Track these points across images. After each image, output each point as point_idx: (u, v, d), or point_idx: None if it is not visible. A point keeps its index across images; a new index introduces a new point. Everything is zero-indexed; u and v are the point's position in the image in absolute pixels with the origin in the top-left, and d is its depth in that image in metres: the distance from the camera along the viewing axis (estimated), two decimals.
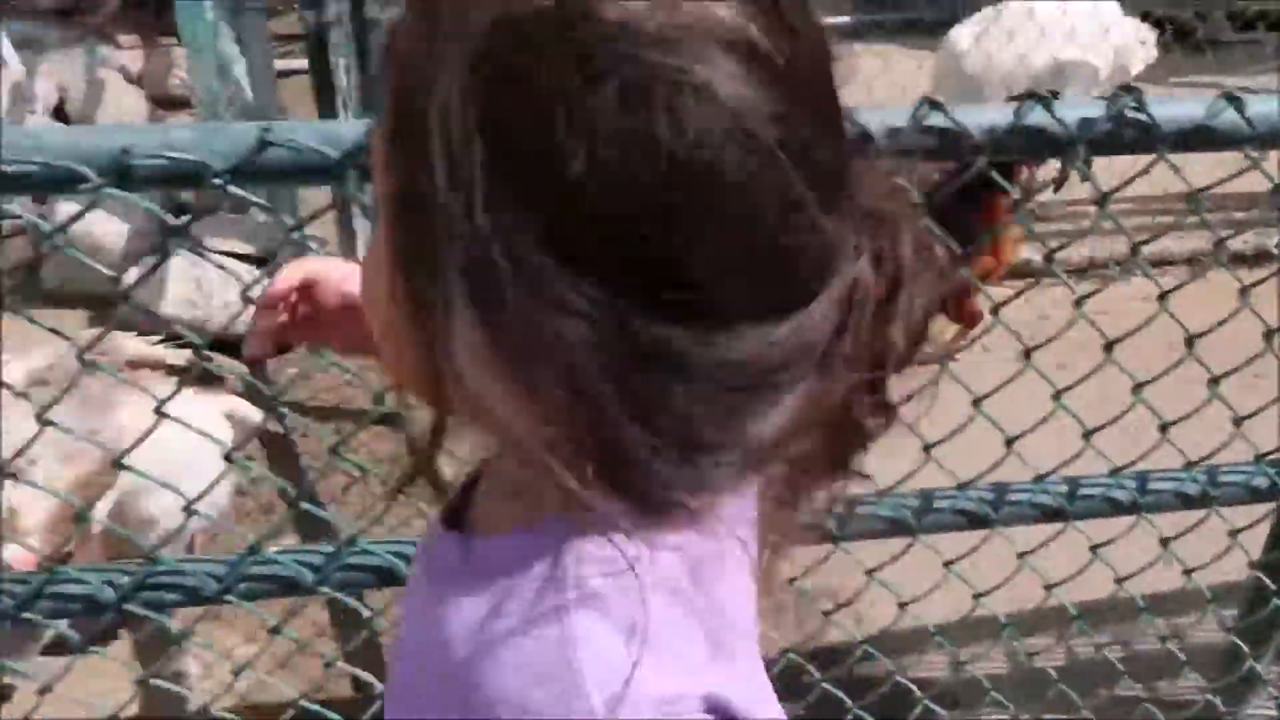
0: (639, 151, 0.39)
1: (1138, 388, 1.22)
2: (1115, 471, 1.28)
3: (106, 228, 2.90)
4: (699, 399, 0.43)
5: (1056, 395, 1.20)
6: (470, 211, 0.41)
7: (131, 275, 2.72)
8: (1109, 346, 1.19)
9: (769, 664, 0.52)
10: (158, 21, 4.60)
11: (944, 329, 3.08)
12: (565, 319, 0.41)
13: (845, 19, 2.66)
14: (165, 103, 4.25)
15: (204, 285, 2.75)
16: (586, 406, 0.42)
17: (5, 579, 1.02)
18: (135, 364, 1.62)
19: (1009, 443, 1.20)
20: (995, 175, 1.03)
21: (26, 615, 0.98)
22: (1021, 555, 1.30)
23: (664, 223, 0.40)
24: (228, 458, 1.17)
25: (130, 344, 1.69)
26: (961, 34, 3.87)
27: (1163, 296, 1.19)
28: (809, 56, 0.43)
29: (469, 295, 0.42)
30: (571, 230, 0.41)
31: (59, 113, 3.85)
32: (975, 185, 1.06)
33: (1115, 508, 1.28)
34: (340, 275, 0.72)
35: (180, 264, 2.73)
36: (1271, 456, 1.34)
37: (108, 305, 2.69)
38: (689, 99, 0.39)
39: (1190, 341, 1.21)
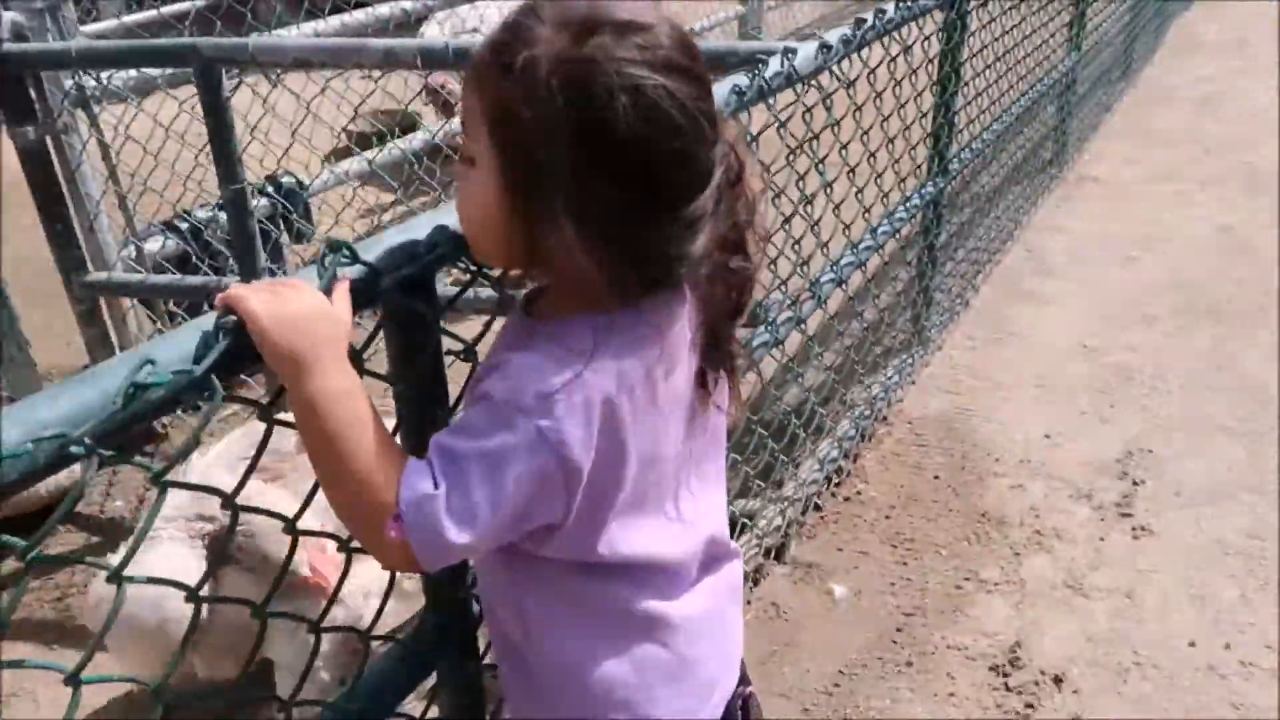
0: (643, 123, 0.85)
1: None
2: None
3: None
4: (672, 234, 0.90)
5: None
6: (566, 168, 0.86)
7: None
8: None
9: None
10: None
11: None
12: (616, 213, 0.88)
13: None
14: None
15: None
16: (624, 249, 0.89)
17: None
18: None
19: None
20: None
21: None
22: None
23: (658, 158, 0.87)
24: None
25: None
26: (432, 28, 4.60)
27: None
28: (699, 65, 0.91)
29: (566, 209, 0.87)
30: (619, 166, 0.87)
31: None
32: None
33: None
34: None
35: None
36: None
37: None
38: (659, 98, 0.86)
39: None
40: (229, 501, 0.97)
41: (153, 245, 2.93)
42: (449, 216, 1.13)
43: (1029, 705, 1.96)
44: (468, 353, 1.18)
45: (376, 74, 2.53)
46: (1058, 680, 2.01)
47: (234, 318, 0.89)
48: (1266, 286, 3.53)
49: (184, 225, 3.03)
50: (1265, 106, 5.42)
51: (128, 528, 2.65)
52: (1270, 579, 2.23)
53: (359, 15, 3.45)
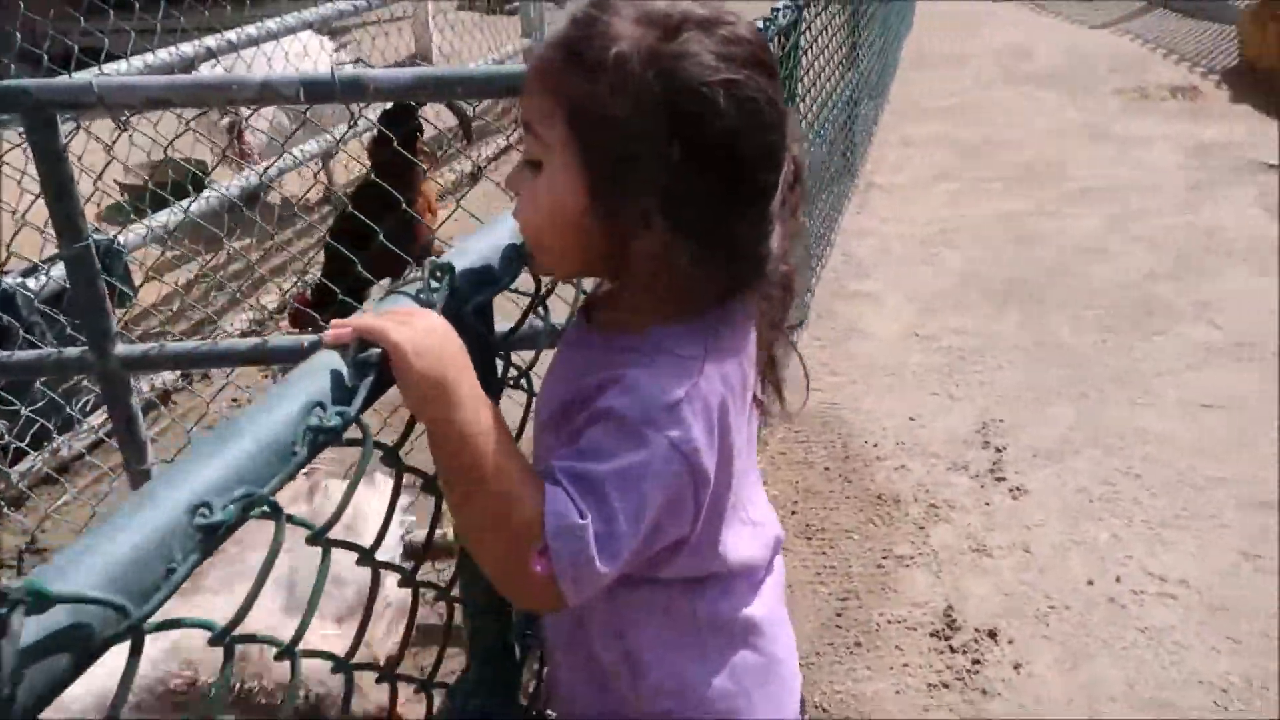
0: (740, 117, 0.86)
1: None
2: None
3: None
4: (760, 231, 0.91)
5: None
6: (661, 164, 0.85)
7: None
8: None
9: None
10: None
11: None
12: (711, 209, 0.88)
13: None
14: None
15: None
16: (719, 246, 0.90)
17: None
18: None
19: None
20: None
21: None
22: None
23: (750, 152, 0.88)
24: None
25: None
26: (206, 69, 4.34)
27: None
28: (774, 61, 0.93)
29: (660, 207, 0.87)
30: (715, 161, 0.87)
31: None
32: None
33: None
34: None
35: None
36: None
37: None
38: (751, 92, 0.87)
39: None
40: (367, 557, 0.90)
41: None
42: (497, 237, 1.09)
43: (975, 661, 2.12)
44: (523, 377, 1.16)
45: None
46: (993, 634, 2.18)
47: (377, 350, 0.83)
48: (1054, 266, 4.00)
49: None
50: (1006, 113, 6.13)
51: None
52: (1131, 518, 2.53)
53: (163, 55, 3.20)
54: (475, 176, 5.02)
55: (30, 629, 0.54)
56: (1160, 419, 2.94)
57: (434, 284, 0.95)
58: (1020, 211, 4.61)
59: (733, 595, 1.08)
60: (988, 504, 2.62)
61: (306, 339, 2.31)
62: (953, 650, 2.15)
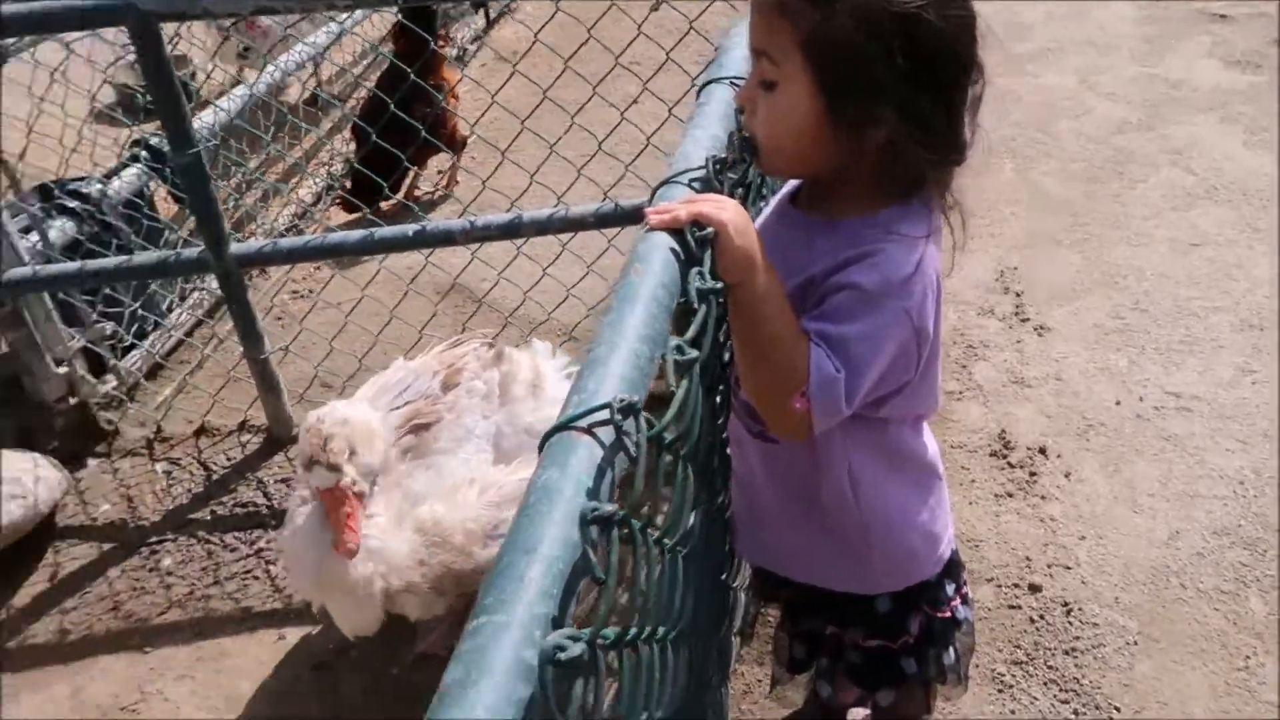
0: (955, 30, 1.08)
1: None
2: None
3: None
4: (964, 121, 1.13)
5: None
6: (891, 74, 1.05)
7: None
8: None
9: None
10: None
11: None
12: (933, 108, 1.08)
13: None
14: None
15: None
16: (942, 138, 1.11)
17: None
18: None
19: None
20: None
21: None
22: None
23: (961, 57, 1.11)
24: None
25: None
26: None
27: None
28: None
29: (897, 112, 1.07)
30: (938, 68, 1.07)
31: None
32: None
33: None
34: None
35: None
36: None
37: None
38: (958, 9, 1.09)
39: None
40: None
41: (56, 231, 2.63)
42: (710, 130, 1.27)
43: (1031, 474, 2.47)
44: None
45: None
46: (1043, 451, 2.53)
47: (711, 230, 1.01)
48: (1034, 122, 4.27)
49: (73, 202, 2.73)
50: None
51: (133, 528, 2.49)
52: (1144, 346, 2.89)
53: None
54: (461, 58, 5.04)
55: None
56: (1155, 257, 3.29)
57: (714, 169, 1.15)
58: (994, 72, 4.83)
59: (922, 434, 1.34)
60: (1019, 341, 2.95)
61: (410, 228, 2.47)
62: (1011, 466, 2.51)
